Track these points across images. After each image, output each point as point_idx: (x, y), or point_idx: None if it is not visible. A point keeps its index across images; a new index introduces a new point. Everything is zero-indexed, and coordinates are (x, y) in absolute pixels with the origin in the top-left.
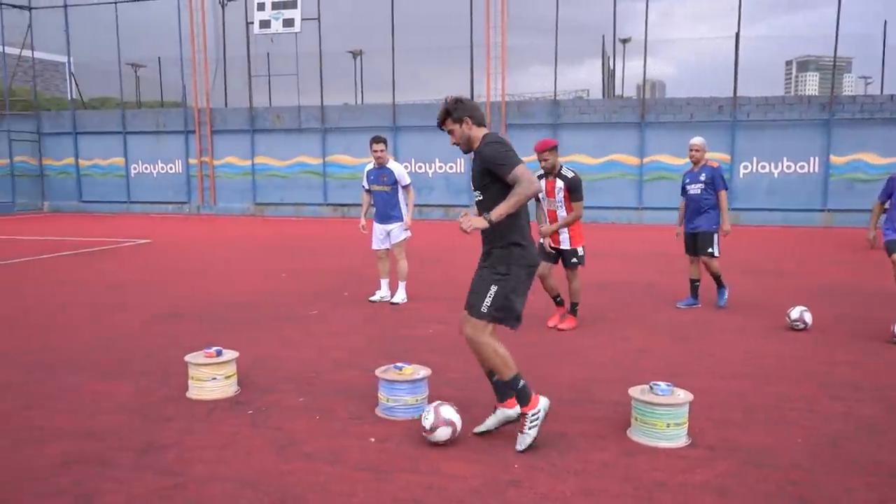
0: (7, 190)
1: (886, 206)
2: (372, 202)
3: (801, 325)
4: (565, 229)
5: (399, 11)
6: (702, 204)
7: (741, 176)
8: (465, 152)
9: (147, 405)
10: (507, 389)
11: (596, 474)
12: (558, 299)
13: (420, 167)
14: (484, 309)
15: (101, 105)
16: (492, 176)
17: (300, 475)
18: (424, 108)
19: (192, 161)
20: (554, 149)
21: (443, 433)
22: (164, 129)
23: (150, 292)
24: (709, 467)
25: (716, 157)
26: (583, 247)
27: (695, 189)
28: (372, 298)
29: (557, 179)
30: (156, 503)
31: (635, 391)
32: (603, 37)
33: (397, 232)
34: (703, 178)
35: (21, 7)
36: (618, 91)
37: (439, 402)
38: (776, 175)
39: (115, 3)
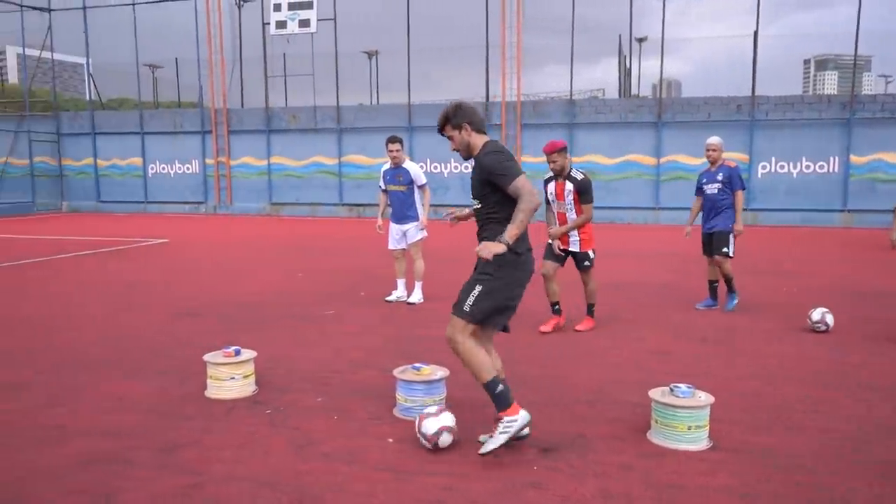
0: (27, 190)
1: None
2: (388, 202)
3: (823, 327)
4: (575, 231)
5: (414, 12)
6: (718, 204)
7: (759, 176)
8: (465, 158)
9: (166, 404)
10: (501, 399)
11: (616, 477)
12: (556, 307)
13: (436, 167)
14: (466, 308)
15: (119, 106)
16: (492, 186)
17: (318, 475)
18: (440, 108)
19: (209, 161)
20: (563, 150)
21: (446, 439)
22: (182, 130)
23: (168, 291)
24: (731, 470)
25: (733, 156)
26: (594, 250)
27: (712, 189)
28: (388, 298)
29: (567, 181)
30: (176, 502)
31: (655, 393)
32: (619, 36)
33: (413, 232)
34: (720, 177)
35: (41, 9)
36: (633, 90)
37: (430, 411)
38: (795, 175)
39: (133, 4)
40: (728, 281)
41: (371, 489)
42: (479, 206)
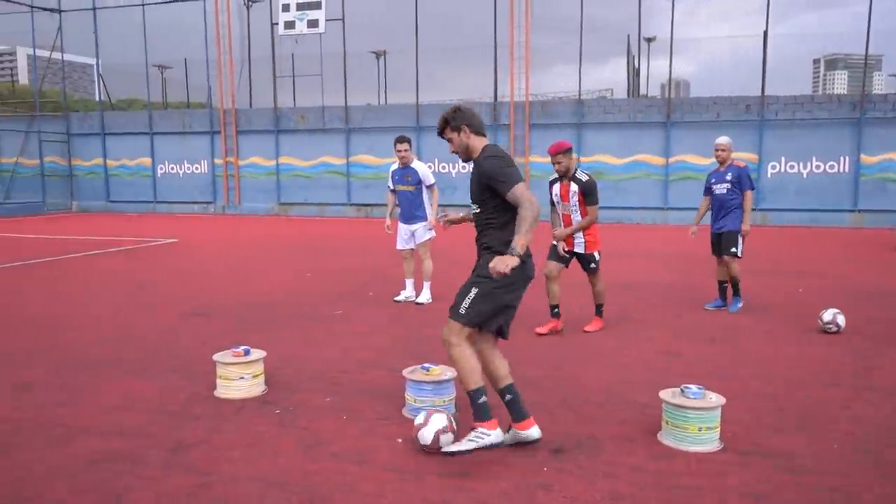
0: (37, 190)
1: None
2: (397, 202)
3: (834, 328)
4: (580, 233)
5: (422, 11)
6: (728, 204)
7: (769, 176)
8: (465, 161)
9: (175, 404)
10: (518, 409)
11: (626, 478)
12: (556, 310)
13: (444, 167)
14: (462, 310)
15: (129, 106)
16: (491, 191)
17: (328, 475)
18: (447, 108)
19: (218, 161)
20: (568, 151)
21: (447, 439)
22: (190, 130)
23: (177, 291)
24: (742, 472)
25: (743, 157)
26: (599, 251)
27: (720, 189)
28: (397, 298)
29: (572, 183)
30: (185, 502)
31: (666, 394)
32: (628, 36)
33: (422, 232)
34: (729, 177)
35: (51, 10)
36: (642, 90)
37: (419, 422)
38: (805, 175)
39: (143, 5)
40: (734, 284)
41: (380, 489)
42: (477, 210)
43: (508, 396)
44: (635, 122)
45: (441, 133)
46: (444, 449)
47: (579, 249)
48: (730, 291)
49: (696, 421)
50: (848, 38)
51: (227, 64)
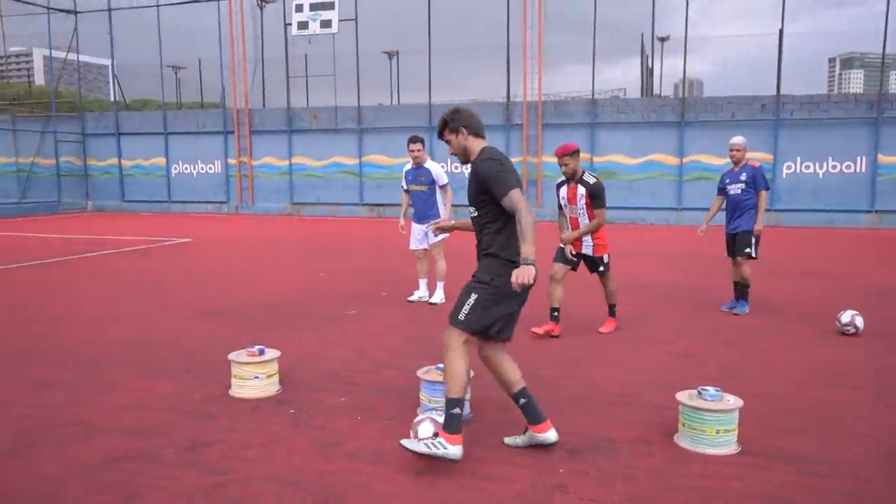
0: (53, 189)
1: None
2: (410, 202)
3: (852, 330)
4: (588, 236)
5: (435, 11)
6: (742, 204)
7: (784, 176)
8: (463, 163)
9: (190, 403)
10: (533, 412)
11: (643, 481)
12: (555, 313)
13: (456, 167)
14: (461, 317)
15: (143, 106)
16: (488, 194)
17: (343, 475)
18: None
19: (231, 161)
20: (575, 153)
21: (426, 429)
22: (204, 130)
23: (191, 290)
24: (760, 476)
25: (758, 157)
26: (608, 255)
27: (735, 189)
28: (410, 298)
29: (579, 186)
30: (201, 501)
31: (683, 396)
32: (642, 35)
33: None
34: (743, 177)
35: (67, 11)
36: (655, 90)
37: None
38: (821, 175)
39: (157, 6)
40: (744, 286)
41: (395, 490)
42: (475, 213)
43: (522, 400)
44: (649, 122)
45: (440, 135)
46: (402, 441)
47: (587, 252)
48: (732, 292)
49: (713, 423)
50: (864, 37)
51: (240, 64)
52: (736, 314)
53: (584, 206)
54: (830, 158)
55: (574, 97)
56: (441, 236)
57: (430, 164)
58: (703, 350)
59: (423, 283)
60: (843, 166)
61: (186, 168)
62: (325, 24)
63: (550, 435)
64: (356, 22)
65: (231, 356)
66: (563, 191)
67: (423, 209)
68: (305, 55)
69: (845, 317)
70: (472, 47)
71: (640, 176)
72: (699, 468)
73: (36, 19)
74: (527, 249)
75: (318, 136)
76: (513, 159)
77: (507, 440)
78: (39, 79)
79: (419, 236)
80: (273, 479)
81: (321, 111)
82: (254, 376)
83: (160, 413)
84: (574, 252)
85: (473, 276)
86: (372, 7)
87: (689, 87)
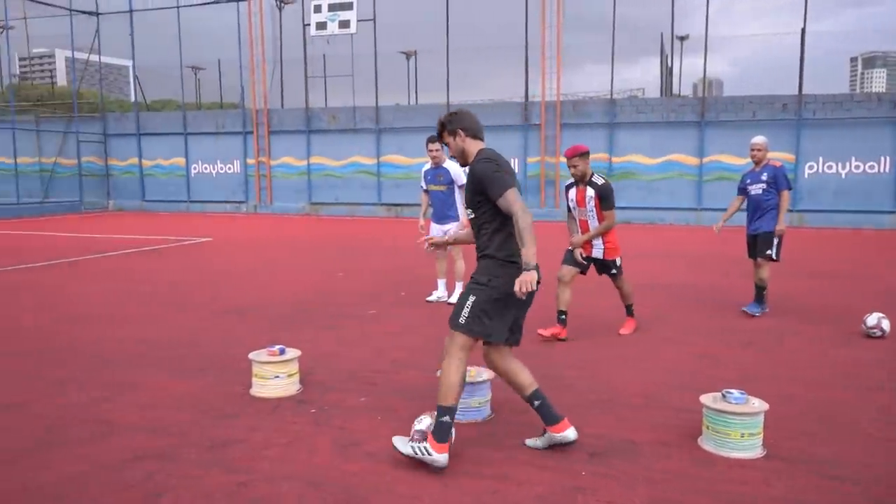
0: (75, 189)
1: None
2: (430, 202)
3: (879, 333)
4: (598, 238)
5: (453, 11)
6: (764, 205)
7: (806, 176)
8: (462, 165)
9: (211, 402)
10: (549, 413)
11: (667, 484)
12: (562, 316)
13: None
14: (461, 320)
15: (163, 107)
16: (484, 195)
17: (364, 476)
18: (479, 108)
19: (250, 161)
20: (585, 155)
21: (424, 425)
22: (223, 130)
23: (212, 290)
24: (786, 480)
25: (779, 157)
26: (620, 258)
27: (756, 189)
28: (429, 298)
29: (588, 188)
30: (223, 500)
31: (707, 399)
32: (662, 34)
33: (454, 232)
34: (764, 177)
35: (89, 13)
36: (674, 90)
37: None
38: (844, 175)
39: (178, 7)
40: (760, 288)
41: (416, 492)
42: (472, 215)
43: (537, 402)
44: (668, 122)
45: (439, 137)
46: (395, 441)
47: (598, 255)
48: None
49: (738, 427)
50: (886, 36)
51: (259, 65)
52: (746, 312)
53: (594, 209)
54: (853, 158)
55: (592, 97)
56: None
57: (448, 164)
58: (722, 351)
59: (441, 283)
60: (867, 166)
61: (206, 168)
62: (344, 24)
63: (569, 433)
64: (374, 22)
65: (252, 355)
66: (572, 193)
67: (443, 209)
68: (324, 55)
69: (871, 319)
70: (490, 47)
71: (658, 176)
72: (723, 472)
73: (58, 21)
74: (527, 253)
75: (336, 136)
76: (530, 159)
77: (528, 442)
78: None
79: (438, 236)
80: (295, 479)
81: (339, 111)
82: (274, 376)
83: (181, 412)
84: (584, 255)
85: (471, 277)
86: (390, 7)
87: (709, 87)
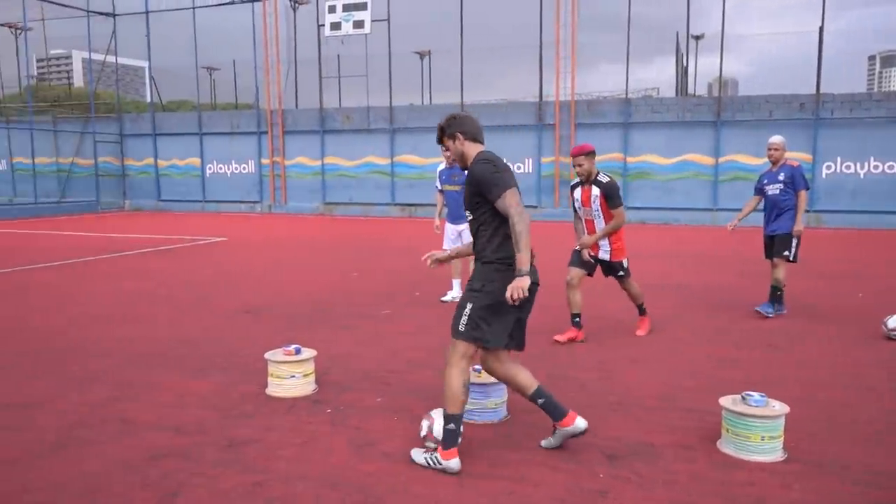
0: (92, 189)
1: None
2: (445, 202)
3: None
4: (605, 239)
5: (467, 11)
6: (781, 205)
7: (824, 176)
8: (462, 168)
9: (227, 401)
10: (555, 408)
11: (686, 487)
12: (576, 319)
13: None
14: (461, 328)
15: (179, 107)
16: (481, 197)
17: (381, 476)
18: (493, 107)
19: (265, 161)
20: (591, 154)
21: (436, 425)
22: (238, 131)
23: (227, 289)
24: (807, 484)
25: (796, 157)
26: (627, 259)
27: (773, 189)
28: (444, 299)
29: (593, 187)
30: (240, 500)
31: (726, 401)
32: (677, 33)
33: (469, 232)
34: (781, 177)
35: (106, 14)
36: (689, 89)
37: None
38: (862, 175)
39: (193, 8)
40: (775, 289)
41: (432, 492)
42: (470, 217)
43: (541, 400)
44: (684, 122)
45: (439, 141)
46: (414, 452)
47: (604, 256)
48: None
49: (759, 430)
50: None
51: (274, 65)
52: (759, 312)
53: (599, 208)
54: (872, 158)
55: (606, 97)
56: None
57: None
58: (740, 353)
59: (456, 283)
60: (886, 166)
61: (221, 168)
62: (358, 24)
63: (579, 424)
64: (388, 22)
65: (268, 355)
66: (578, 193)
67: (457, 209)
68: (338, 56)
69: (892, 321)
70: (504, 47)
71: (674, 176)
72: (744, 475)
73: (76, 22)
74: (521, 259)
75: (350, 136)
76: (544, 159)
77: (543, 443)
78: (79, 81)
79: (453, 236)
80: (311, 479)
81: (353, 111)
82: (290, 375)
83: (198, 411)
84: (591, 254)
85: (468, 284)
86: (404, 7)
87: (724, 86)
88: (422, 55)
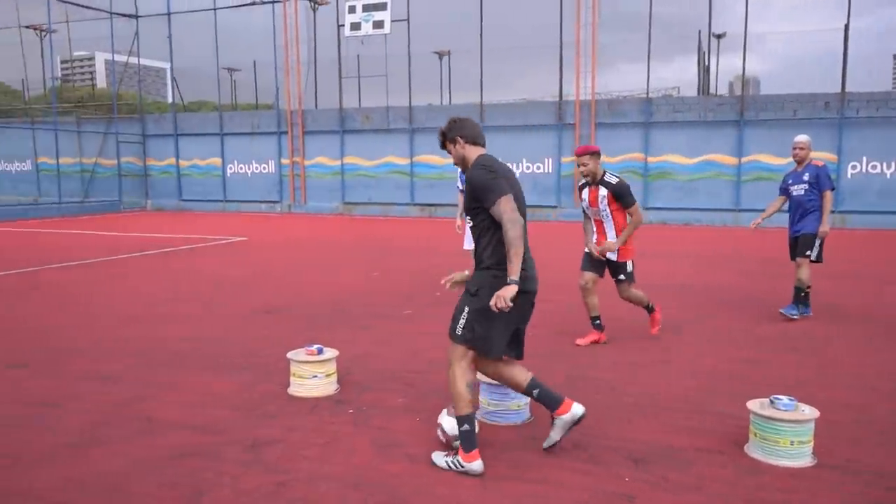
0: (114, 189)
1: None
2: None
3: None
4: (613, 238)
5: (487, 11)
6: (806, 206)
7: (849, 176)
8: (463, 172)
9: (250, 401)
10: (550, 398)
11: (715, 492)
12: (597, 322)
13: (508, 167)
14: (458, 331)
15: (200, 108)
16: (479, 202)
17: (404, 477)
18: (512, 107)
19: (285, 161)
20: (595, 154)
21: (450, 423)
22: (258, 131)
23: (248, 289)
24: (837, 490)
25: (821, 156)
26: (632, 261)
27: (798, 190)
28: None
29: (600, 187)
30: (264, 500)
31: (754, 405)
32: (699, 32)
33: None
34: (806, 177)
35: (128, 16)
36: (710, 88)
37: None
38: (889, 175)
39: (214, 9)
40: (798, 289)
41: (455, 493)
42: (471, 223)
43: (536, 392)
44: (706, 121)
45: (442, 146)
46: (434, 455)
47: (612, 256)
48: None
49: (788, 434)
50: None
51: (294, 66)
52: (784, 314)
53: (607, 208)
54: None
55: (627, 96)
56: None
57: None
58: (764, 355)
59: None
60: None
61: (241, 168)
62: (378, 24)
63: (576, 409)
64: (408, 22)
65: (290, 355)
66: (585, 193)
67: None
68: (358, 56)
69: None
70: (524, 47)
71: (695, 176)
72: (772, 480)
73: (99, 24)
74: (510, 268)
75: (369, 136)
76: (564, 159)
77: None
78: (101, 82)
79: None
80: (335, 480)
81: (373, 111)
82: (313, 375)
83: (221, 410)
84: (599, 253)
85: (466, 286)
86: (424, 8)
87: (746, 85)
88: (441, 55)
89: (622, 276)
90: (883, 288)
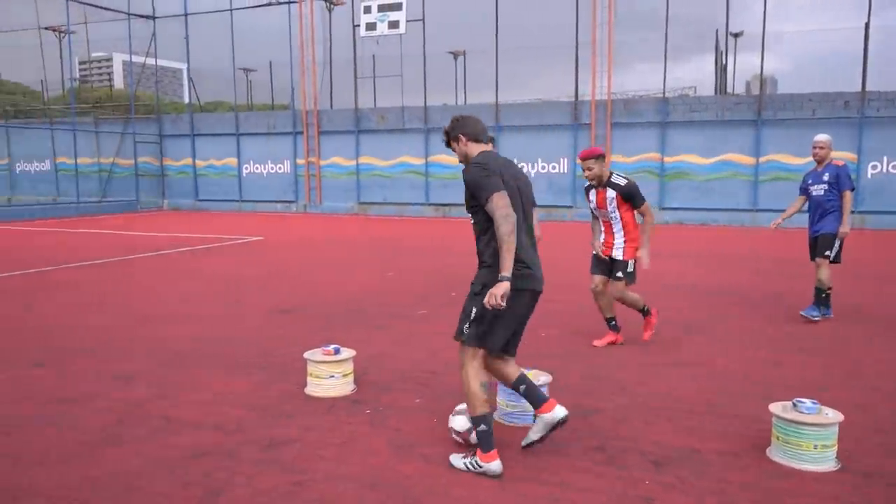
0: (132, 189)
1: None
2: None
3: None
4: (621, 238)
5: (502, 11)
6: (826, 206)
7: (869, 176)
8: None
9: (267, 401)
10: (535, 395)
11: (736, 495)
12: (613, 322)
13: (523, 167)
14: (464, 331)
15: (216, 108)
16: (475, 199)
17: (420, 478)
18: (527, 107)
19: (300, 161)
20: (600, 157)
21: (461, 422)
22: (274, 131)
23: (264, 288)
24: (863, 495)
25: (841, 156)
26: (634, 261)
27: (818, 190)
28: None
29: (608, 189)
30: (281, 500)
31: (776, 408)
32: (717, 31)
33: None
34: (826, 177)
35: (146, 17)
36: (727, 88)
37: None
38: None
39: (231, 10)
40: (819, 290)
41: (473, 495)
42: (471, 221)
43: (523, 387)
44: (723, 121)
45: (447, 145)
46: (452, 457)
47: (618, 255)
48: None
49: (812, 438)
50: None
51: (309, 66)
52: (804, 316)
53: (615, 209)
54: None
55: (643, 96)
56: None
57: None
58: (785, 357)
59: None
60: None
61: (257, 168)
62: (393, 24)
63: (558, 412)
64: (423, 22)
65: (307, 355)
66: (592, 195)
67: None
68: (373, 56)
69: None
70: (539, 46)
71: (712, 176)
72: (796, 485)
73: (116, 25)
74: (502, 264)
75: (384, 136)
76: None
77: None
78: (119, 82)
79: None
80: (351, 480)
81: (388, 111)
82: (329, 375)
83: (238, 410)
84: (605, 254)
85: (471, 285)
86: (439, 8)
87: (763, 84)
88: (456, 55)
89: (619, 274)
90: None
